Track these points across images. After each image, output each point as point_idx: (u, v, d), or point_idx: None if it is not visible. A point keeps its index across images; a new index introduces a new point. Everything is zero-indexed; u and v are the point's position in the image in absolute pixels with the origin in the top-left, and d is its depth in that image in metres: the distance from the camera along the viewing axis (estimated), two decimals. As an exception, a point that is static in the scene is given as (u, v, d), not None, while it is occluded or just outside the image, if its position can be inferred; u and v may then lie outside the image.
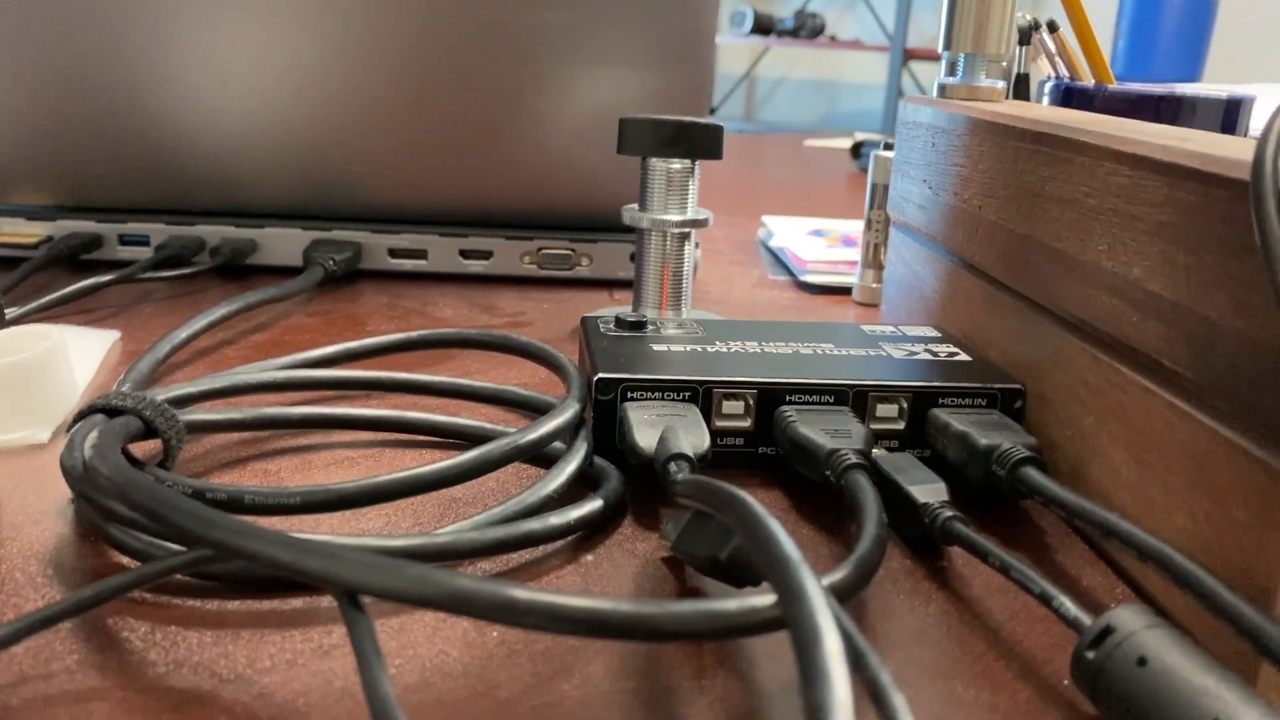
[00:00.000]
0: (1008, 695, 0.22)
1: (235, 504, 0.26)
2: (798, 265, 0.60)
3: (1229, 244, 0.24)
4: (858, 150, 1.17)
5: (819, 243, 0.65)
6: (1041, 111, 0.38)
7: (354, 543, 0.24)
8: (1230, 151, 0.25)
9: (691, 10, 0.53)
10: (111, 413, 0.28)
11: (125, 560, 0.26)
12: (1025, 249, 0.34)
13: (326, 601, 0.25)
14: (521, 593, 0.19)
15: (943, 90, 0.45)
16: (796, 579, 0.16)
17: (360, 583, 0.19)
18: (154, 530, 0.24)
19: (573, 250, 0.57)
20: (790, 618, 0.16)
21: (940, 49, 0.46)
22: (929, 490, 0.28)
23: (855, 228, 0.70)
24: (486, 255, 0.57)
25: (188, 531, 0.21)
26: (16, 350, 0.32)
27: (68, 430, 0.28)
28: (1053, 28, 0.51)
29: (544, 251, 0.57)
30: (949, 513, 0.27)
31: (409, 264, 0.56)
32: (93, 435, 0.26)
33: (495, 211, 0.58)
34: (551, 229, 0.58)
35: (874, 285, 0.55)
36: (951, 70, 0.47)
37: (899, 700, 0.16)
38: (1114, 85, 0.51)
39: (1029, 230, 0.34)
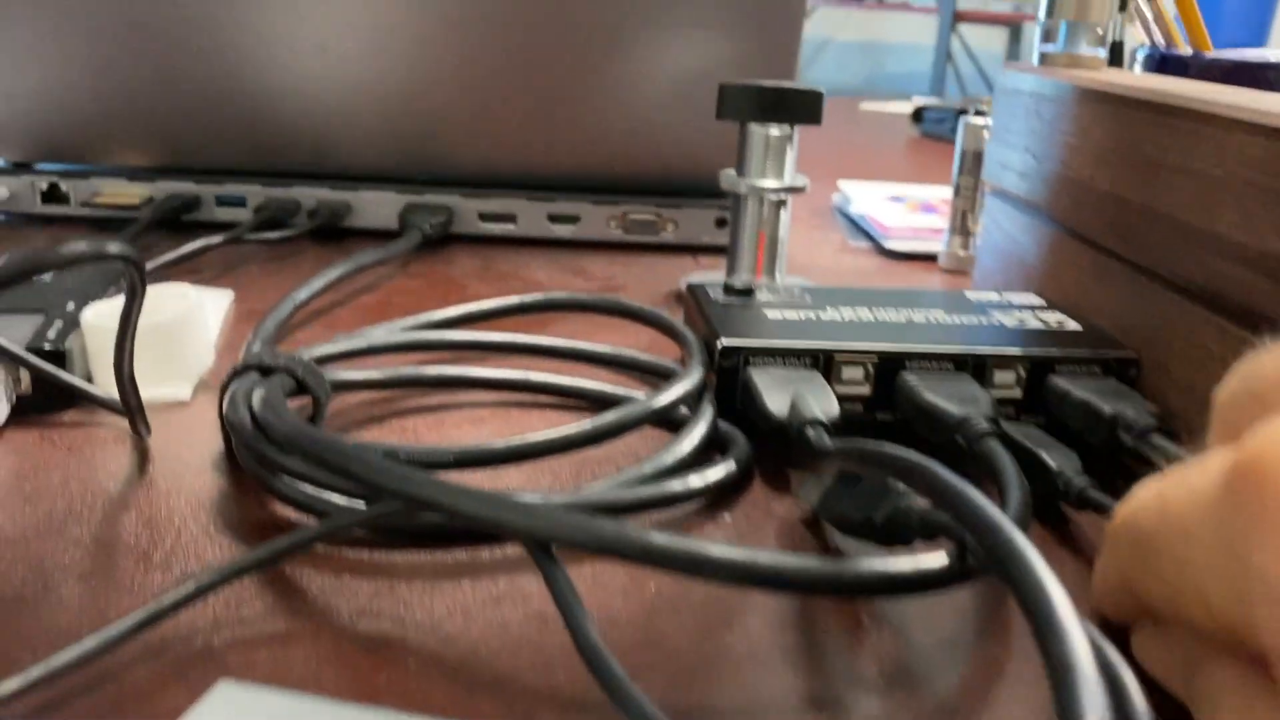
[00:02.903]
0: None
1: (391, 460, 0.27)
2: (881, 231, 0.60)
3: (1382, 218, 0.24)
4: (919, 115, 1.17)
5: (899, 208, 0.65)
6: (1155, 81, 0.38)
7: (506, 498, 0.25)
8: (1382, 125, 0.25)
9: (782, -25, 0.53)
10: (264, 370, 0.30)
11: (288, 511, 0.27)
12: (1143, 219, 0.35)
13: (486, 554, 0.26)
14: (715, 549, 0.19)
15: (1044, 58, 0.45)
16: (1014, 541, 0.17)
17: (558, 535, 0.20)
18: (324, 482, 0.26)
19: (658, 215, 0.58)
20: (1014, 578, 0.16)
21: (1041, 16, 0.46)
22: (1061, 456, 0.29)
23: (933, 194, 0.70)
24: (573, 220, 0.57)
25: (383, 486, 0.22)
26: (159, 310, 0.33)
27: (222, 387, 0.29)
28: (1151, -6, 0.51)
29: (630, 216, 0.57)
30: (1083, 479, 0.28)
31: (498, 228, 0.57)
32: (258, 392, 0.27)
33: (582, 176, 0.58)
34: (637, 193, 0.58)
35: (960, 252, 0.56)
36: (1047, 37, 0.47)
37: (1114, 653, 0.17)
38: (1211, 53, 0.51)
39: (1147, 200, 0.34)
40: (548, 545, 0.21)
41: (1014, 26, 3.52)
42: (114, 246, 0.22)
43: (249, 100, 0.54)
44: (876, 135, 1.14)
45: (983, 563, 0.20)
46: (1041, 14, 0.46)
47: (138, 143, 0.56)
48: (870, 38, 3.59)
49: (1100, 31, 0.45)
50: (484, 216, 0.57)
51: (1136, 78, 0.40)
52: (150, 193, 0.55)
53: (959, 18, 3.14)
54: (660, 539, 0.20)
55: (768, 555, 0.20)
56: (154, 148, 0.57)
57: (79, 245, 0.21)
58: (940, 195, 0.70)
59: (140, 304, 0.26)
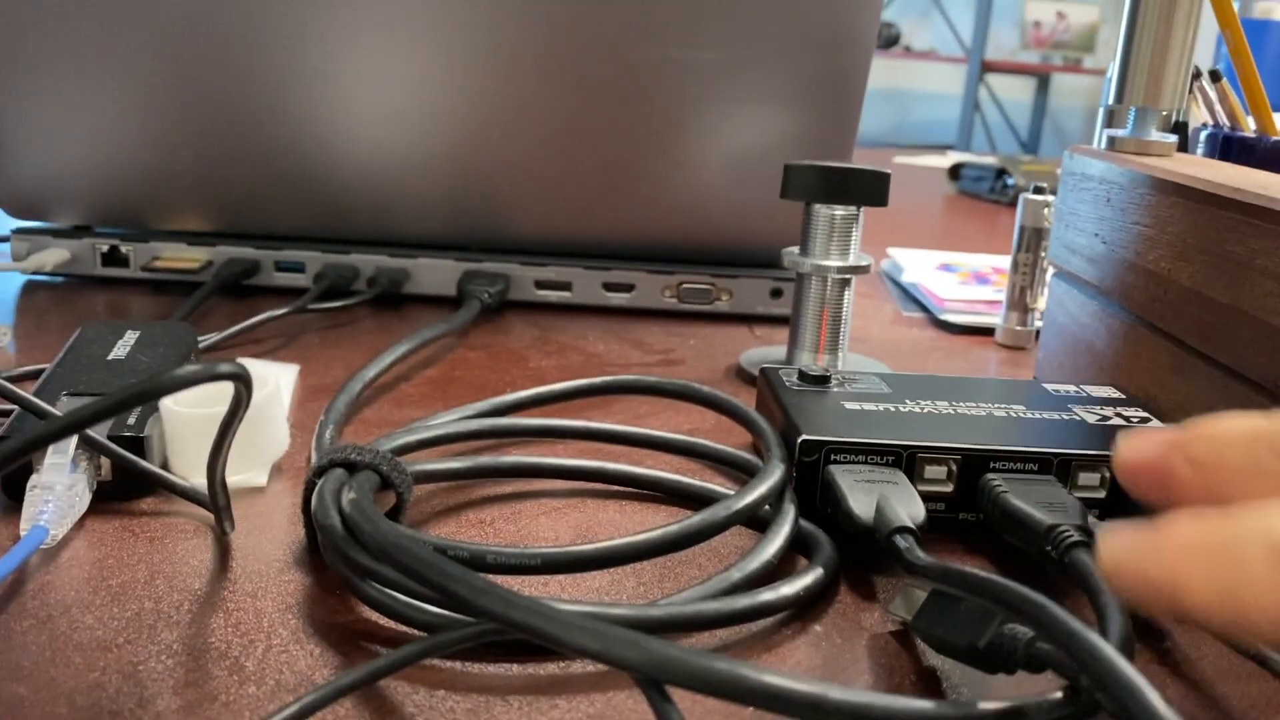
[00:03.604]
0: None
1: (478, 562, 0.26)
2: (935, 303, 0.60)
3: None
4: (957, 172, 1.17)
5: (950, 279, 0.65)
6: (1237, 176, 0.38)
7: (604, 612, 0.25)
8: None
9: (844, 50, 0.53)
10: (350, 466, 0.29)
11: (375, 614, 0.27)
12: (1229, 320, 0.34)
13: (577, 667, 0.25)
14: (834, 692, 0.19)
15: (1111, 142, 0.45)
16: (1142, 693, 0.17)
17: (673, 677, 0.20)
18: (415, 591, 0.25)
19: (713, 285, 0.58)
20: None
21: (1109, 100, 0.46)
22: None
23: (982, 262, 0.70)
24: (628, 288, 0.57)
25: (488, 611, 0.21)
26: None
27: (307, 483, 0.29)
28: (1215, 77, 0.51)
29: (684, 285, 0.57)
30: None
31: (553, 295, 0.57)
32: (348, 494, 0.27)
33: (636, 245, 0.58)
34: (691, 263, 0.58)
35: (1018, 328, 0.55)
36: (1113, 121, 0.47)
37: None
38: (1278, 136, 0.50)
39: (1233, 301, 0.34)
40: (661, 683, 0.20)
41: (1042, 77, 3.53)
42: (225, 367, 0.22)
43: (309, 167, 0.55)
44: (914, 192, 1.14)
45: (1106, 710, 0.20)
46: (1109, 99, 0.46)
47: (197, 207, 0.57)
48: (897, 86, 3.61)
49: (1167, 114, 0.45)
50: (540, 284, 0.57)
51: (1215, 169, 0.40)
52: (209, 257, 0.56)
53: (987, 68, 3.15)
54: (776, 681, 0.19)
55: (889, 700, 0.19)
56: (213, 213, 0.57)
57: (193, 368, 0.21)
58: (990, 264, 0.70)
59: (243, 416, 0.26)
